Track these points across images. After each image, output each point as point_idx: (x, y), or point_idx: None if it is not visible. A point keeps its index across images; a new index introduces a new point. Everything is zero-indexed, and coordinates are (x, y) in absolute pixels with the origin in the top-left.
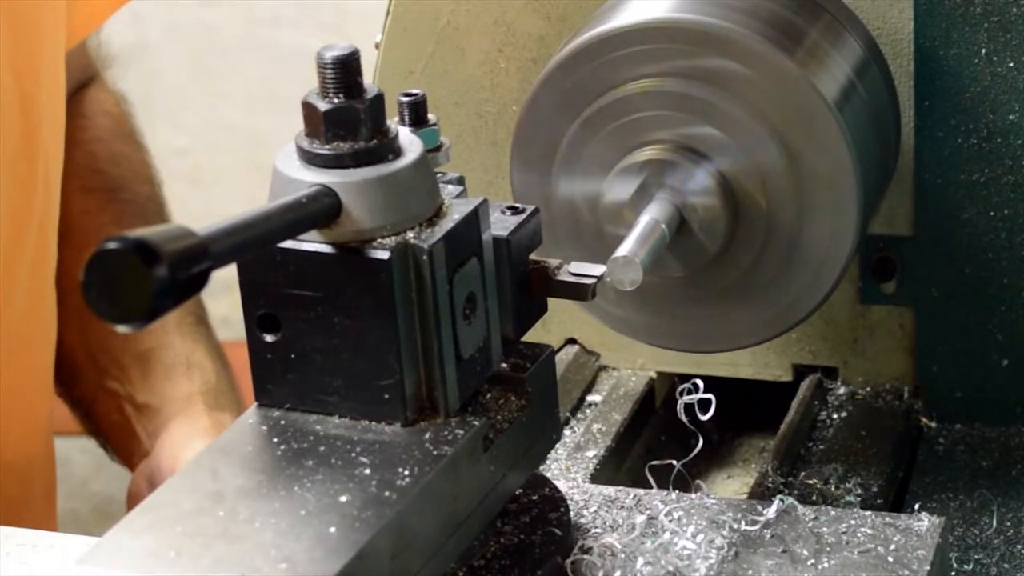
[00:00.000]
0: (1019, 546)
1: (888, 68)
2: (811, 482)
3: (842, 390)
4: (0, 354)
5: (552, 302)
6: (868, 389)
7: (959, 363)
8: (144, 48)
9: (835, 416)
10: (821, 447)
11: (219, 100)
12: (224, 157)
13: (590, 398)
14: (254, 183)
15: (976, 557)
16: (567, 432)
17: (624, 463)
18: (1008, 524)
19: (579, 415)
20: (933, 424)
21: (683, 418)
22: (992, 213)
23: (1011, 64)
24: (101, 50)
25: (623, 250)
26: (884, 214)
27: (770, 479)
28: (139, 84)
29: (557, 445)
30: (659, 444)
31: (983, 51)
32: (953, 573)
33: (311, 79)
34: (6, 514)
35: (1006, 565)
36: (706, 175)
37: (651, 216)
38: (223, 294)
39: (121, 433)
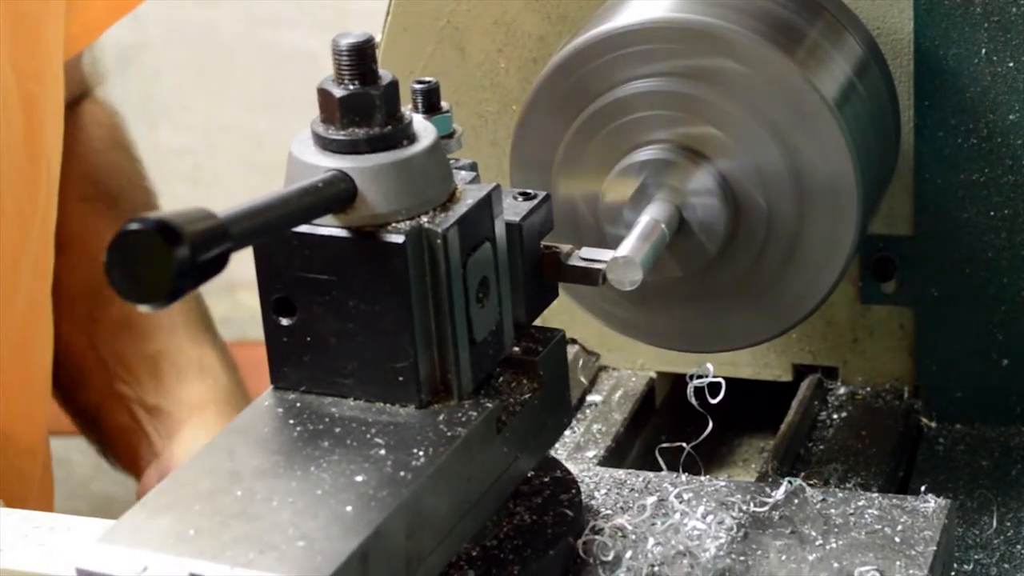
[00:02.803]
0: (1019, 546)
1: (888, 68)
2: (811, 482)
3: (842, 390)
4: (5, 351)
5: (552, 303)
6: (868, 389)
7: (959, 363)
8: (144, 48)
9: (835, 416)
10: (821, 447)
11: (219, 100)
12: (224, 157)
13: (590, 398)
14: (254, 183)
15: (976, 557)
16: (567, 432)
17: (624, 463)
18: (1008, 524)
19: (579, 415)
20: (933, 424)
21: (693, 401)
22: (992, 213)
23: (1011, 64)
24: (96, 65)
25: (623, 250)
26: (884, 214)
27: (770, 479)
28: (139, 84)
29: (557, 445)
30: (659, 444)
31: (983, 51)
32: (953, 573)
33: (311, 79)
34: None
35: (1006, 565)
36: (706, 175)
37: (651, 216)
38: (223, 294)
39: (129, 437)
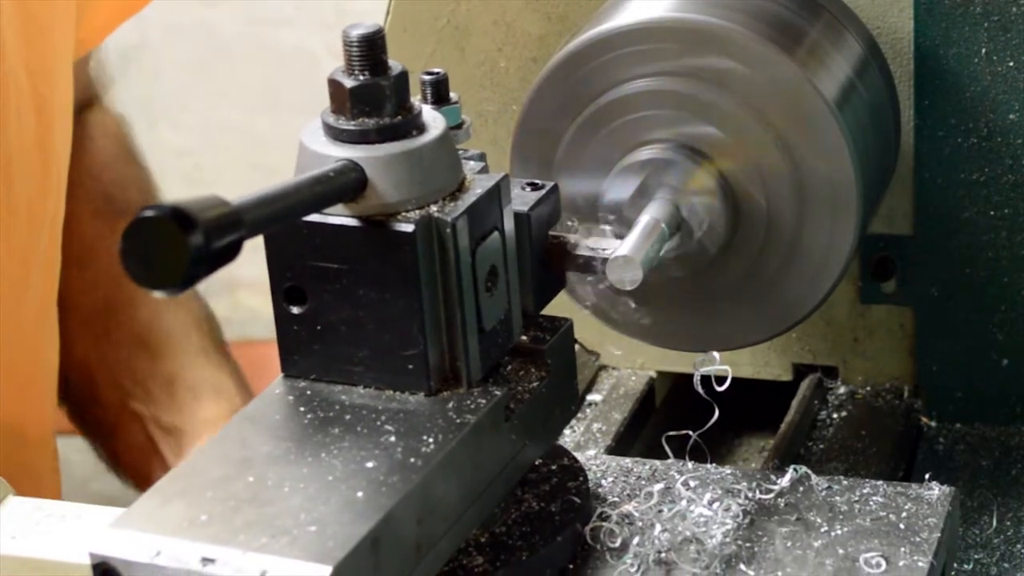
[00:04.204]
0: (1019, 546)
1: (888, 68)
2: None
3: (842, 390)
4: (17, 347)
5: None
6: (868, 389)
7: (959, 363)
8: (144, 48)
9: (835, 416)
10: (821, 447)
11: (219, 100)
12: (224, 157)
13: (590, 398)
14: (254, 183)
15: (976, 557)
16: (567, 432)
17: None
18: (1008, 524)
19: (579, 415)
20: (933, 424)
21: (699, 389)
22: (992, 213)
23: (1011, 64)
24: (102, 71)
25: (623, 250)
26: (884, 214)
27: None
28: (139, 84)
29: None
30: (659, 444)
31: (983, 51)
32: (953, 573)
33: (311, 79)
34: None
35: (1006, 565)
36: (706, 175)
37: (651, 216)
38: (223, 294)
39: (143, 454)
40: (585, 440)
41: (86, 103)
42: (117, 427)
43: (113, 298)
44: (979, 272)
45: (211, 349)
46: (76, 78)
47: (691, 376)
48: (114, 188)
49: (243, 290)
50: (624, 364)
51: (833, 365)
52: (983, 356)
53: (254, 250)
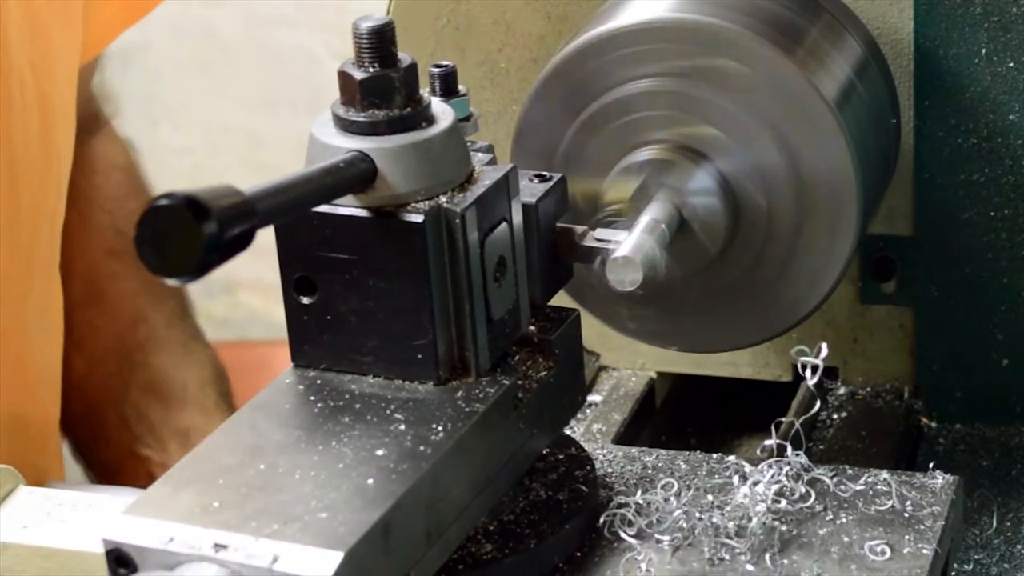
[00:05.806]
0: (1019, 546)
1: (888, 68)
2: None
3: (842, 390)
4: (22, 341)
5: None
6: (868, 389)
7: (959, 363)
8: (145, 48)
9: (835, 416)
10: (821, 447)
11: (219, 100)
12: (224, 157)
13: (590, 398)
14: (254, 183)
15: (976, 557)
16: (567, 433)
17: None
18: (1008, 524)
19: (579, 415)
20: (933, 424)
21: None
22: (992, 213)
23: (1011, 64)
24: (107, 91)
25: (623, 250)
26: (884, 214)
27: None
28: (140, 84)
29: None
30: (659, 444)
31: (983, 51)
32: (953, 573)
33: (311, 79)
34: None
35: (1006, 565)
36: (706, 175)
37: (651, 216)
38: (223, 294)
39: None
40: (585, 441)
41: (91, 125)
42: (123, 468)
43: (127, 340)
44: (979, 272)
45: (224, 407)
46: (79, 87)
47: (691, 376)
48: (125, 224)
49: (243, 290)
50: (624, 364)
51: (833, 365)
52: (983, 356)
53: (255, 251)
